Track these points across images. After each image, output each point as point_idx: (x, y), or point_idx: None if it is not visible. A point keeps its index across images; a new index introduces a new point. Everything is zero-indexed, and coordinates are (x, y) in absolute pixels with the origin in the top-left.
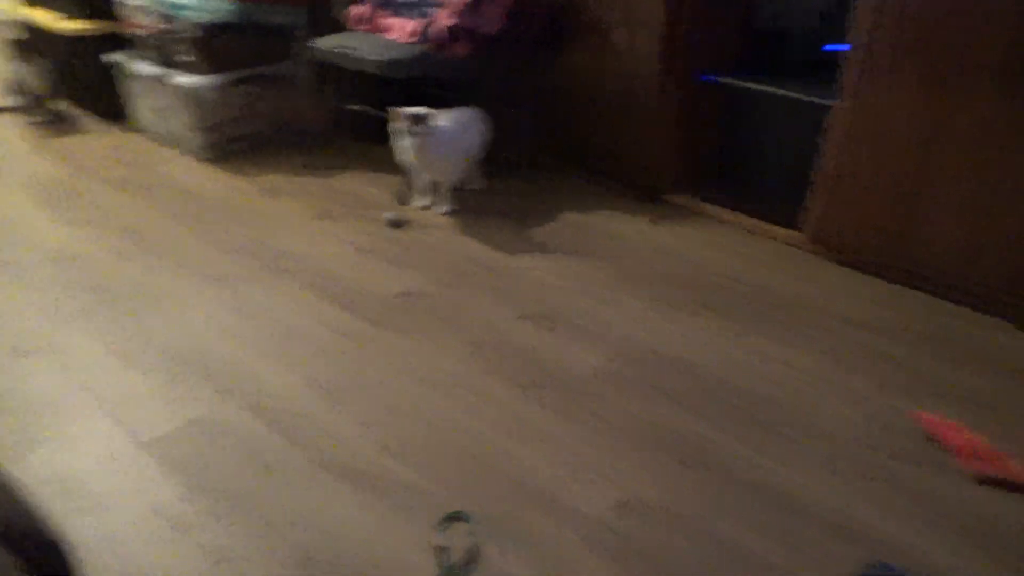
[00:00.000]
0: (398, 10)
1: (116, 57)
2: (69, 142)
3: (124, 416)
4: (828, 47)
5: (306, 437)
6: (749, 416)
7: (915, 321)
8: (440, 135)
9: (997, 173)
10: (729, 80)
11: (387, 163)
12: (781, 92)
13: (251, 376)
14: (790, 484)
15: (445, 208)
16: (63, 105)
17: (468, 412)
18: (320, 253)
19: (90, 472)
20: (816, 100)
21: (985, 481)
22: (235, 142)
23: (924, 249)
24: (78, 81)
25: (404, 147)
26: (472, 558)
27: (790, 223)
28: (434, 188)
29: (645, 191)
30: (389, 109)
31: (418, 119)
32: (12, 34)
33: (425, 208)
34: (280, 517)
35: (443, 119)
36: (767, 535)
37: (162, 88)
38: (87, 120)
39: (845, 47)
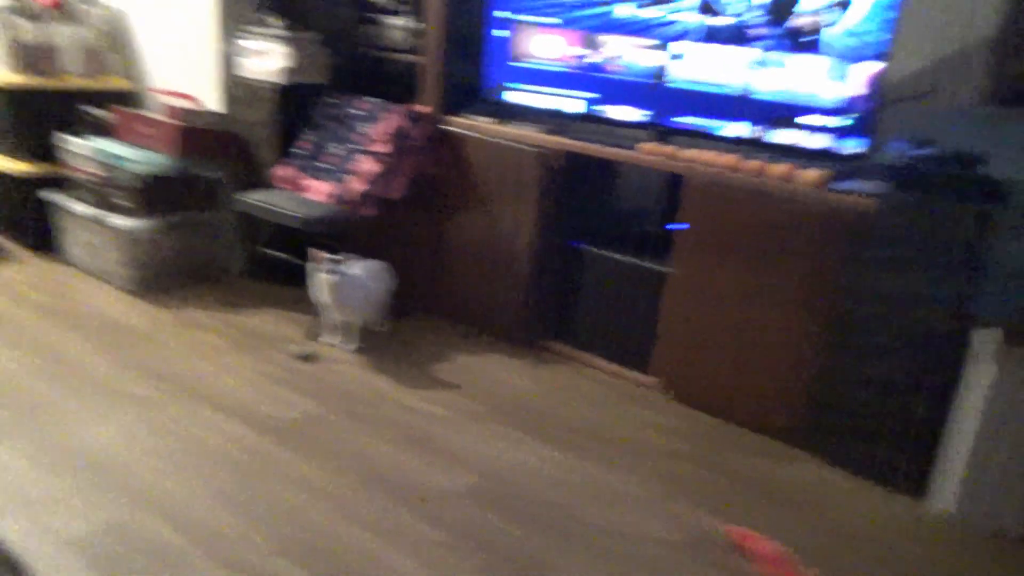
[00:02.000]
0: (317, 174)
1: (55, 196)
2: None
3: (45, 516)
4: (669, 226)
5: (214, 543)
6: (582, 534)
7: (737, 454)
8: (352, 279)
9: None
10: (592, 248)
11: (300, 303)
12: (630, 260)
13: (165, 486)
14: None
15: (352, 346)
16: None
17: (350, 519)
18: (233, 380)
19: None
20: (656, 267)
21: None
22: (161, 278)
23: (744, 390)
24: (11, 214)
25: (320, 285)
26: None
27: (643, 367)
28: (343, 327)
29: (524, 338)
30: (310, 251)
31: (335, 262)
32: None
33: (332, 345)
34: None
35: (356, 267)
36: None
37: (96, 227)
38: (17, 251)
39: (682, 226)
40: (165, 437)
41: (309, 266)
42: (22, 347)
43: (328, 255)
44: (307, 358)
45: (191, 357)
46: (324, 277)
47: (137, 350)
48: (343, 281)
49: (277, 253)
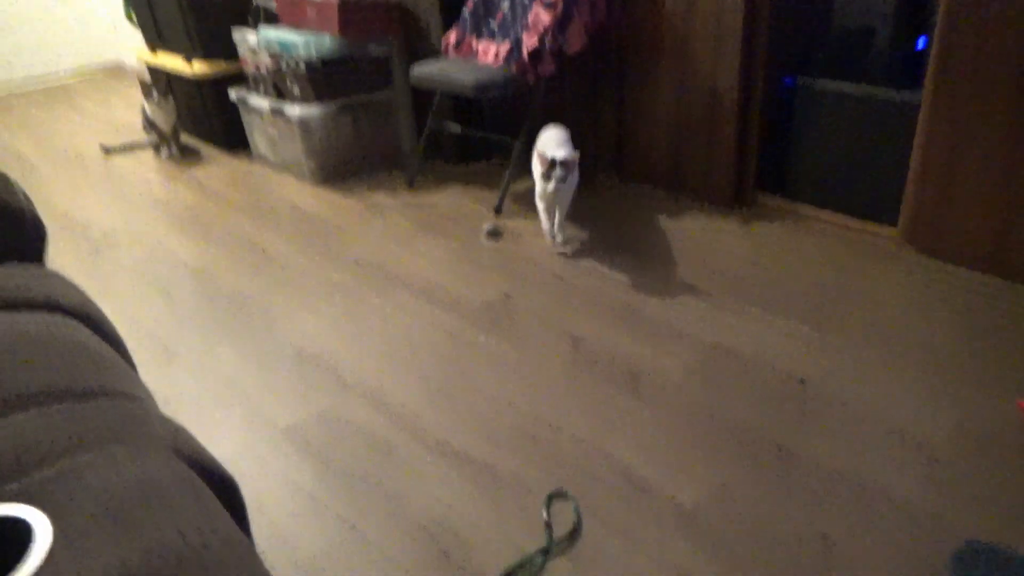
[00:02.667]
0: (489, 35)
1: (238, 93)
2: (197, 172)
3: (261, 408)
4: (918, 43)
5: (420, 426)
6: (836, 419)
7: (1014, 318)
8: (574, 178)
9: None
10: (811, 81)
11: (480, 178)
12: (864, 91)
13: (369, 373)
14: (878, 480)
15: (567, 245)
16: (188, 140)
17: (565, 405)
18: (426, 263)
19: (235, 454)
20: (902, 98)
21: None
22: (343, 166)
23: (1018, 242)
24: (201, 116)
25: (547, 189)
26: (575, 534)
27: (883, 220)
28: (559, 224)
29: (734, 196)
30: (539, 153)
31: (566, 164)
32: (144, 78)
33: (563, 253)
34: (400, 493)
35: (562, 150)
36: (852, 526)
37: (276, 119)
38: (210, 152)
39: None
40: (368, 324)
41: (534, 169)
42: (222, 244)
43: (556, 155)
44: (495, 235)
45: (382, 242)
46: (553, 185)
47: (330, 239)
48: (570, 183)
49: (454, 127)
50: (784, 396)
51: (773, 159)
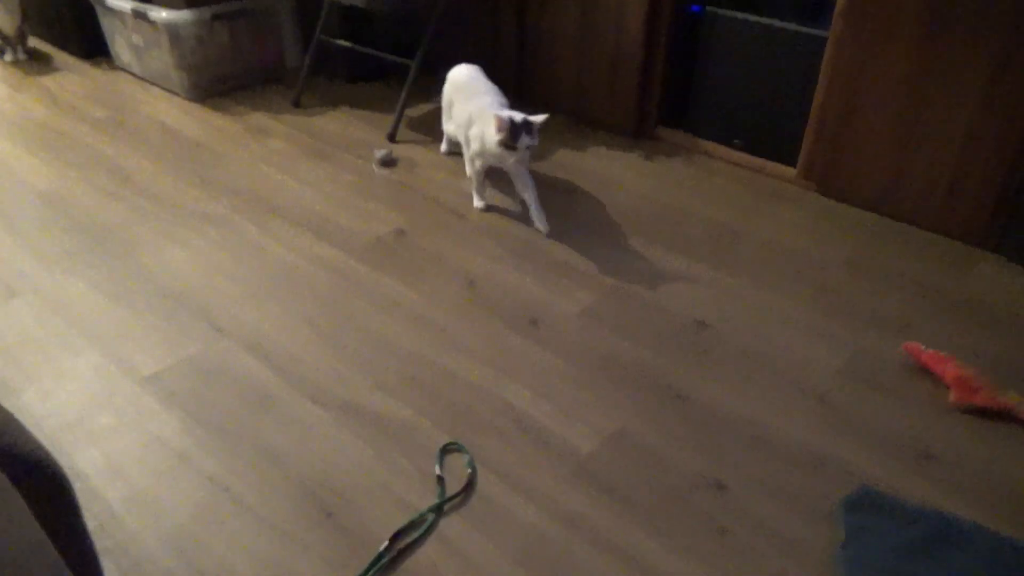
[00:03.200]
0: None
1: None
2: (47, 82)
3: (119, 353)
4: None
5: (301, 373)
6: (722, 357)
7: (905, 257)
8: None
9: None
10: (718, 11)
11: (374, 101)
12: (772, 23)
13: (245, 314)
14: (772, 423)
15: (544, 217)
16: (39, 44)
17: (460, 350)
18: (312, 192)
19: (88, 407)
20: (808, 33)
21: (970, 411)
22: (219, 81)
23: (911, 181)
24: (52, 18)
25: (508, 160)
26: (469, 488)
27: (782, 159)
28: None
29: (637, 129)
30: (496, 117)
31: (529, 131)
32: None
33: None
34: (278, 448)
35: (489, 96)
36: (746, 471)
37: (140, 24)
38: (64, 59)
39: None
40: (244, 260)
41: (488, 136)
42: (77, 165)
43: (517, 118)
44: (388, 163)
45: (263, 169)
46: (518, 155)
47: (203, 164)
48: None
49: (343, 43)
50: (683, 339)
51: (678, 92)
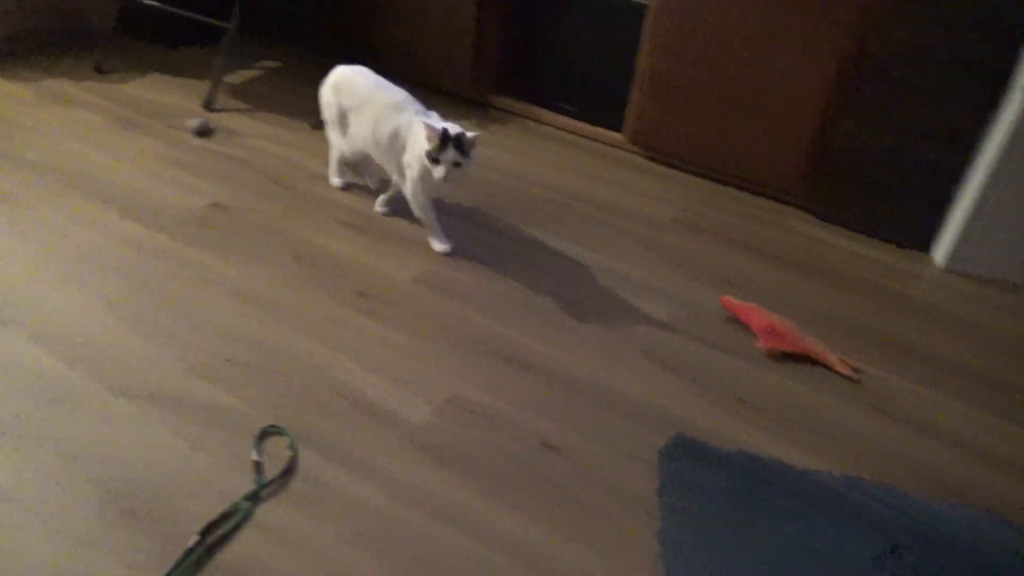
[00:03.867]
0: None
1: None
2: None
3: None
4: None
5: (101, 364)
6: (561, 322)
7: (727, 215)
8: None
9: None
10: None
11: (185, 67)
12: None
13: (34, 302)
14: (601, 379)
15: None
16: None
17: (285, 328)
18: (120, 166)
19: None
20: (634, 0)
21: (777, 356)
22: (11, 42)
23: (734, 146)
24: None
25: (435, 175)
26: (288, 470)
27: (613, 125)
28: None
29: (472, 94)
30: (426, 126)
31: (461, 147)
32: None
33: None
34: (76, 450)
35: (410, 104)
36: (577, 427)
37: None
38: None
39: None
40: (37, 243)
41: (425, 153)
42: None
43: (450, 129)
44: (204, 133)
45: (64, 140)
46: (444, 171)
47: None
48: (464, 168)
49: (151, 2)
50: (514, 302)
51: (516, 60)
